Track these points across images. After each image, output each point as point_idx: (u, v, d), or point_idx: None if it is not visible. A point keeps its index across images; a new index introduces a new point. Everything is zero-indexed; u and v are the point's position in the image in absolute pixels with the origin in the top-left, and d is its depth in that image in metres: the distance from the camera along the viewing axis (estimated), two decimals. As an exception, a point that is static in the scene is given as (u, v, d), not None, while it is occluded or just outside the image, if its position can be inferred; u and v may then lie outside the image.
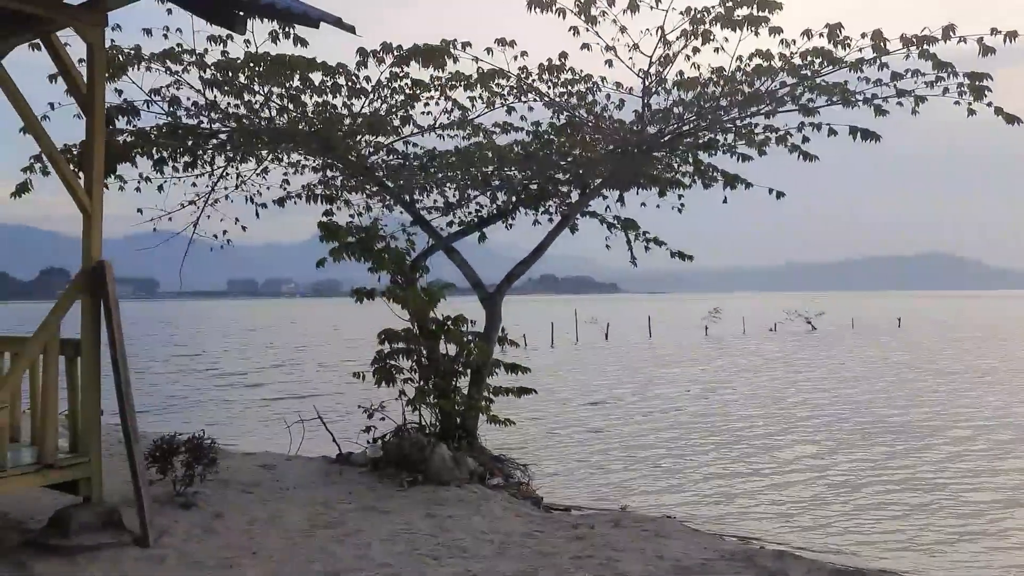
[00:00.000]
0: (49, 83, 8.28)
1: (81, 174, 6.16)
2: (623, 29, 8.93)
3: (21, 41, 6.44)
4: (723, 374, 26.61)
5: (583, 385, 23.63)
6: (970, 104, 8.32)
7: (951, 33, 7.92)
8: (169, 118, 9.77)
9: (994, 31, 7.72)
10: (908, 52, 8.31)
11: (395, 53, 9.26)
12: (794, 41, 8.89)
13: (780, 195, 10.11)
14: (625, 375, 26.84)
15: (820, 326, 53.72)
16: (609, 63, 9.21)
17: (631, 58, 9.21)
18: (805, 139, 9.59)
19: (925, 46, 8.16)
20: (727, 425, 15.71)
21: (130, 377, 5.98)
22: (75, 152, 8.86)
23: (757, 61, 9.17)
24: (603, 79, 9.99)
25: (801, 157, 9.62)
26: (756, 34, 8.55)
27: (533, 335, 40.86)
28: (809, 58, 8.89)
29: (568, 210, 11.27)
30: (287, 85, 9.47)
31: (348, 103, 9.89)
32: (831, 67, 8.88)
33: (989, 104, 8.27)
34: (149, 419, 15.35)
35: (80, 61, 6.35)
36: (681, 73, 9.54)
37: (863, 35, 8.42)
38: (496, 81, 9.72)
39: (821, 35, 8.57)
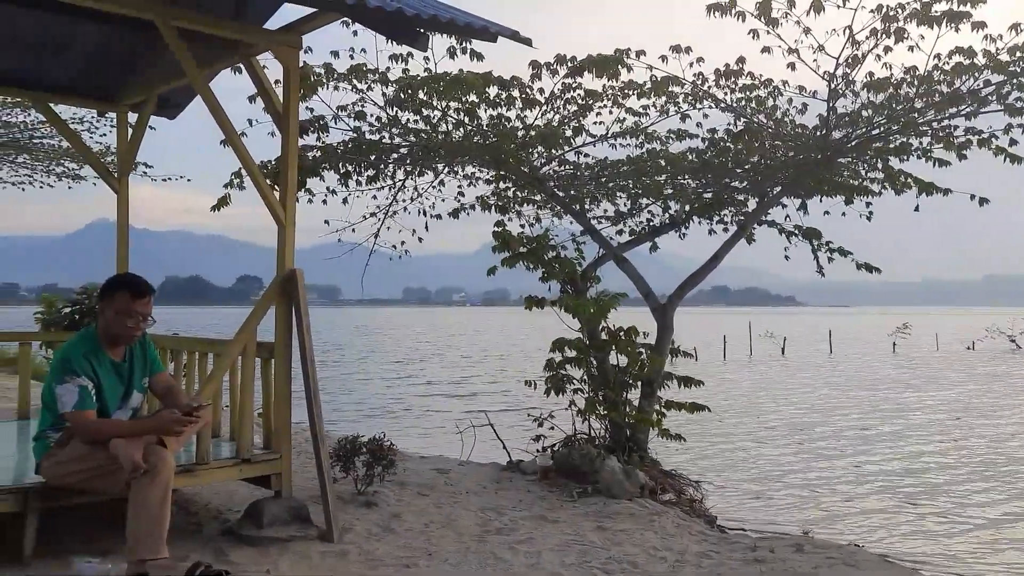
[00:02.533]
0: (248, 104, 8.91)
1: (276, 188, 6.55)
2: (807, 30, 8.53)
3: (227, 65, 6.97)
4: (931, 397, 24.61)
5: (759, 402, 22.77)
6: None
7: None
8: (354, 133, 10.26)
9: None
10: None
11: (568, 64, 9.30)
12: (1000, 36, 8.23)
13: (984, 201, 9.30)
14: (804, 394, 25.63)
15: (1025, 345, 49.21)
16: (791, 66, 8.83)
17: (815, 60, 8.78)
18: (1012, 141, 8.81)
19: None
20: (961, 463, 13.99)
21: (318, 379, 6.29)
22: (269, 167, 9.48)
23: (957, 59, 8.54)
24: (784, 83, 9.61)
25: (1008, 160, 8.84)
26: (956, 30, 7.94)
27: (704, 348, 39.84)
28: (1018, 54, 8.20)
29: (745, 219, 10.88)
30: (463, 100, 9.71)
31: (521, 115, 10.02)
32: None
33: None
34: (333, 420, 16.18)
35: (276, 82, 6.79)
36: (871, 74, 9.02)
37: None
38: (670, 88, 9.55)
39: (1033, 28, 7.85)
